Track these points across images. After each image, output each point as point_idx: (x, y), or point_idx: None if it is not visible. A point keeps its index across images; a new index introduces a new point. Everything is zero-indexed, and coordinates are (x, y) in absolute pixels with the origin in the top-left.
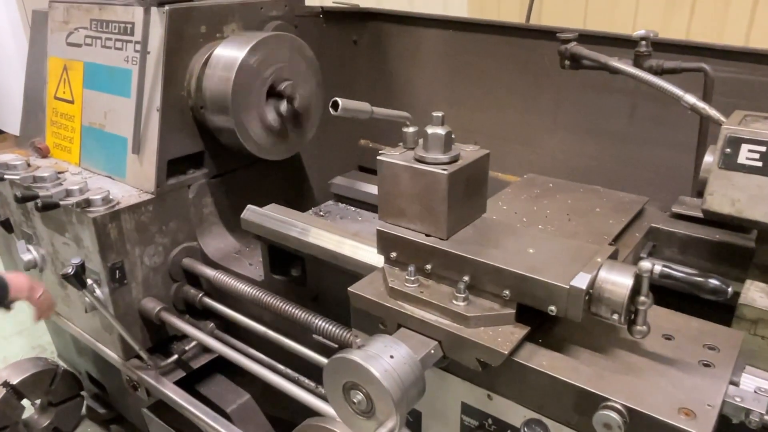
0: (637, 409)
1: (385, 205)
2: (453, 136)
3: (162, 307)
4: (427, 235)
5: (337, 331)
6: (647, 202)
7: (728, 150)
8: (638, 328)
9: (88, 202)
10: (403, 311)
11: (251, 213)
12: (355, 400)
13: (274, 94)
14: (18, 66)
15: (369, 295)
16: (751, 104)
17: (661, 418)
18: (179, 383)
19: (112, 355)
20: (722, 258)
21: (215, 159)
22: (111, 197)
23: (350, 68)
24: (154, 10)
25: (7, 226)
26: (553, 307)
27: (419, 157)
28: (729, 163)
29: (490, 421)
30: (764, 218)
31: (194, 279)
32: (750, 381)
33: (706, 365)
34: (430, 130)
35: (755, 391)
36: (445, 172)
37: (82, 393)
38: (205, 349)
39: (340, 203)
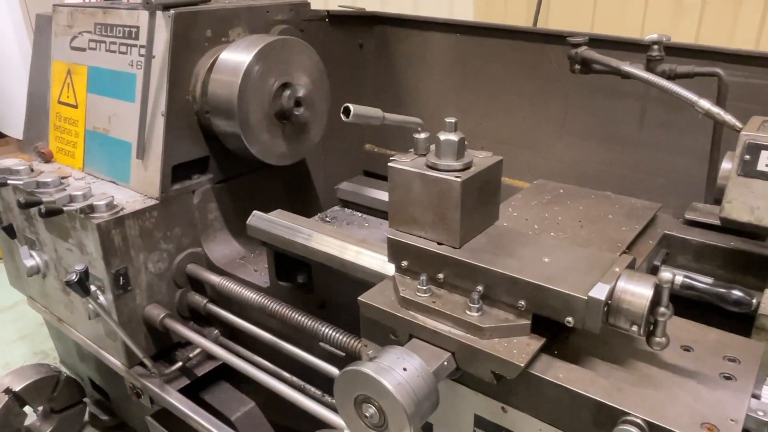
0: (659, 424)
1: (396, 213)
2: (466, 142)
3: (166, 313)
4: (439, 244)
5: (345, 339)
6: (660, 208)
7: (747, 157)
8: (658, 339)
9: (91, 208)
10: (416, 321)
11: (257, 219)
12: (367, 414)
13: (280, 98)
14: (21, 70)
15: (380, 304)
16: (765, 109)
17: None
18: (183, 391)
19: (116, 362)
20: (738, 266)
21: (220, 164)
22: (115, 203)
23: (356, 72)
24: (159, 14)
25: (10, 231)
26: (570, 318)
27: (431, 163)
28: (748, 170)
29: None
30: None
31: (199, 285)
32: None
33: (727, 378)
34: (442, 136)
35: None
36: (459, 180)
37: (85, 400)
38: (209, 356)
39: (346, 209)
